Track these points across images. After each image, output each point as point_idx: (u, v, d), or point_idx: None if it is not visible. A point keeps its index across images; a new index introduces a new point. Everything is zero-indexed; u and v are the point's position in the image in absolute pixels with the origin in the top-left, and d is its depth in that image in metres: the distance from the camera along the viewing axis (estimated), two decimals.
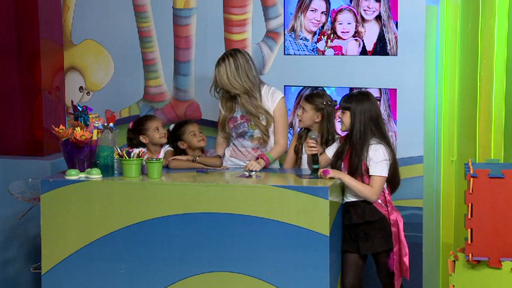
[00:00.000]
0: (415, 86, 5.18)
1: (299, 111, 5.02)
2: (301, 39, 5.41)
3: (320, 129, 4.93)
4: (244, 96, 5.02)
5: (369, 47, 5.32)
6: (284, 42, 5.48)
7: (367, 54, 5.32)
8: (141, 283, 4.58)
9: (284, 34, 5.47)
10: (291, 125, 5.45)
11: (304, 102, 4.97)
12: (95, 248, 4.62)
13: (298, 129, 5.24)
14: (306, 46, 5.41)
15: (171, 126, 5.24)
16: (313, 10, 5.37)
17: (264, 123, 5.06)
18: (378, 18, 5.26)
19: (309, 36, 5.41)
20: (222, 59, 5.02)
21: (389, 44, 5.24)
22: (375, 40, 5.30)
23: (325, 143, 4.92)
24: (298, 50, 5.43)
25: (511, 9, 4.71)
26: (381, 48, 5.29)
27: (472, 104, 4.86)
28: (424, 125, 5.12)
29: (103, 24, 5.85)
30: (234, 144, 5.16)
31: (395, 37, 5.24)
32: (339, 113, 4.84)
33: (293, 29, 5.42)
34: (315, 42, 5.40)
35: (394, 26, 5.24)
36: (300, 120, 5.01)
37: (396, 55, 5.28)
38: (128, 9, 5.79)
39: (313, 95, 5.00)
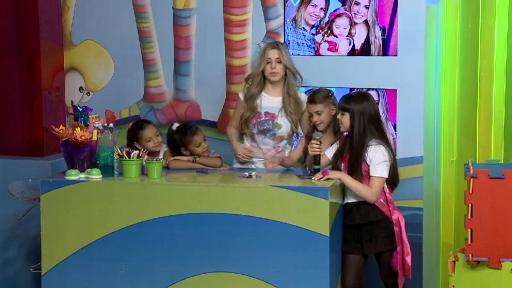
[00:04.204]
0: (415, 86, 5.18)
1: (314, 117, 4.93)
2: (300, 29, 5.45)
3: (335, 122, 4.90)
4: (291, 76, 5.09)
5: (358, 46, 5.37)
6: (284, 34, 5.50)
7: (355, 53, 5.36)
8: (141, 283, 4.58)
9: (284, 23, 5.49)
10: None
11: (316, 106, 4.90)
12: (95, 248, 4.62)
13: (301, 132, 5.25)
14: (304, 36, 5.45)
15: (175, 126, 5.19)
16: (313, 5, 5.42)
17: (296, 113, 5.07)
18: (366, 22, 5.33)
19: (308, 28, 5.45)
20: (277, 44, 5.11)
21: (373, 46, 5.30)
22: (362, 41, 5.35)
23: (337, 132, 4.91)
24: (297, 38, 5.45)
25: (511, 9, 4.72)
26: (367, 49, 5.33)
27: (472, 104, 4.86)
28: (424, 125, 5.13)
29: (103, 24, 5.85)
30: (254, 140, 5.15)
31: (379, 40, 5.28)
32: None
33: (294, 19, 5.46)
34: (313, 34, 5.44)
35: (379, 30, 5.28)
36: (319, 124, 4.92)
37: (396, 55, 5.29)
38: (128, 9, 5.79)
39: (316, 96, 4.96)
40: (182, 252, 4.53)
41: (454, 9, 5.03)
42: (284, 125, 5.10)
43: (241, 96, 5.20)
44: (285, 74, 5.10)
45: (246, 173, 4.74)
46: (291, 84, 5.10)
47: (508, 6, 4.73)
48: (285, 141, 5.15)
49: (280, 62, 5.06)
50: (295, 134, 5.18)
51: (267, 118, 5.10)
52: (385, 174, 4.63)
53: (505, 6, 4.74)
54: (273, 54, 5.06)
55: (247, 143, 5.19)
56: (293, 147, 5.22)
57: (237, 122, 5.22)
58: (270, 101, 5.13)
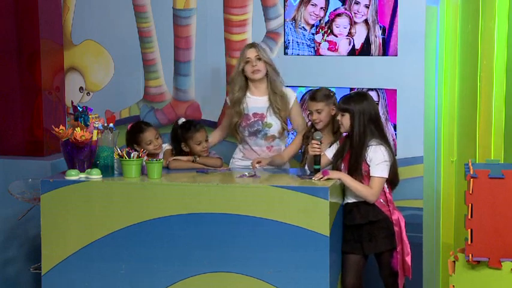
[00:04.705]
0: (415, 86, 5.19)
1: (313, 115, 4.92)
2: (300, 28, 5.45)
3: (333, 122, 4.90)
4: (272, 73, 5.08)
5: (358, 46, 5.37)
6: (285, 34, 5.50)
7: (355, 53, 5.36)
8: (142, 283, 4.58)
9: (284, 22, 5.49)
10: None
11: (316, 104, 4.91)
12: (95, 248, 4.62)
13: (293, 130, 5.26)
14: (304, 35, 5.45)
15: (180, 120, 5.19)
16: (313, 5, 5.42)
17: (284, 108, 5.07)
18: (366, 21, 5.33)
19: (308, 28, 5.46)
20: (253, 44, 5.13)
21: (373, 45, 5.30)
22: (362, 41, 5.35)
23: (337, 131, 4.90)
24: (297, 38, 5.45)
25: (511, 10, 4.72)
26: (367, 48, 5.33)
27: (472, 105, 4.86)
28: (424, 125, 5.13)
29: (103, 24, 5.85)
30: (246, 143, 5.15)
31: (379, 40, 5.28)
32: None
33: (294, 19, 5.46)
34: (313, 34, 5.44)
35: (379, 30, 5.27)
36: (318, 123, 4.92)
37: (396, 55, 5.30)
38: (128, 9, 5.80)
39: (317, 94, 4.95)
40: (182, 252, 4.53)
41: (454, 10, 5.03)
42: (274, 123, 5.09)
43: (228, 101, 5.20)
44: (266, 73, 5.10)
45: (246, 173, 4.74)
46: (273, 81, 5.09)
47: (508, 6, 4.73)
48: (277, 140, 5.14)
49: (260, 59, 5.06)
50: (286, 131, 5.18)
51: (256, 119, 5.10)
52: (385, 174, 4.63)
53: (505, 7, 4.73)
54: (251, 53, 5.05)
55: (241, 147, 5.18)
56: (282, 144, 5.20)
57: (223, 126, 5.25)
58: (256, 101, 5.12)
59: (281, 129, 5.11)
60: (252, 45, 5.11)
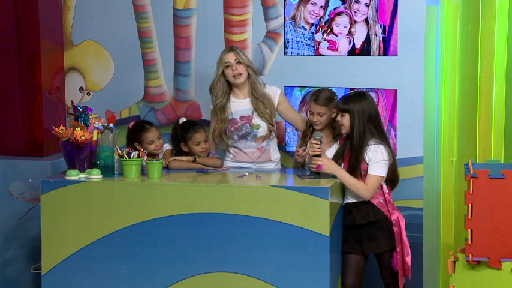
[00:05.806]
0: (415, 86, 5.19)
1: (314, 117, 4.91)
2: (299, 27, 5.45)
3: (333, 124, 4.90)
4: (253, 74, 5.07)
5: (358, 45, 5.36)
6: (285, 34, 5.49)
7: (355, 52, 5.35)
8: (142, 283, 4.58)
9: (284, 21, 5.49)
10: None
11: (319, 107, 4.88)
12: (95, 249, 4.62)
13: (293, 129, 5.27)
14: (303, 34, 5.45)
15: (181, 120, 5.19)
16: (313, 3, 5.42)
17: (268, 111, 5.06)
18: (366, 20, 5.33)
19: (307, 27, 5.45)
20: (231, 47, 5.11)
21: (374, 44, 5.29)
22: (362, 40, 5.34)
23: (338, 134, 4.90)
24: (296, 37, 5.45)
25: (511, 10, 4.72)
26: (367, 48, 5.32)
27: (472, 105, 4.87)
28: (424, 125, 5.13)
29: (103, 24, 5.85)
30: (235, 147, 5.15)
31: (379, 38, 5.28)
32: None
33: (293, 18, 5.46)
34: (313, 33, 5.43)
35: (380, 29, 5.27)
36: (317, 125, 4.91)
37: (396, 55, 5.29)
38: (128, 9, 5.79)
39: (320, 97, 4.92)
40: (182, 252, 4.53)
41: (454, 10, 5.04)
42: (262, 124, 5.09)
43: (212, 108, 5.19)
44: (248, 75, 5.08)
45: (246, 173, 4.75)
46: (254, 83, 5.07)
47: (508, 7, 4.73)
48: (267, 141, 5.14)
49: (239, 63, 5.04)
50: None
51: (243, 122, 5.09)
52: (382, 173, 4.62)
53: (505, 7, 4.74)
54: (230, 57, 5.04)
55: (231, 151, 5.17)
56: (272, 144, 5.18)
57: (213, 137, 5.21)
58: (241, 104, 5.11)
59: (268, 131, 5.11)
60: (231, 49, 5.10)
